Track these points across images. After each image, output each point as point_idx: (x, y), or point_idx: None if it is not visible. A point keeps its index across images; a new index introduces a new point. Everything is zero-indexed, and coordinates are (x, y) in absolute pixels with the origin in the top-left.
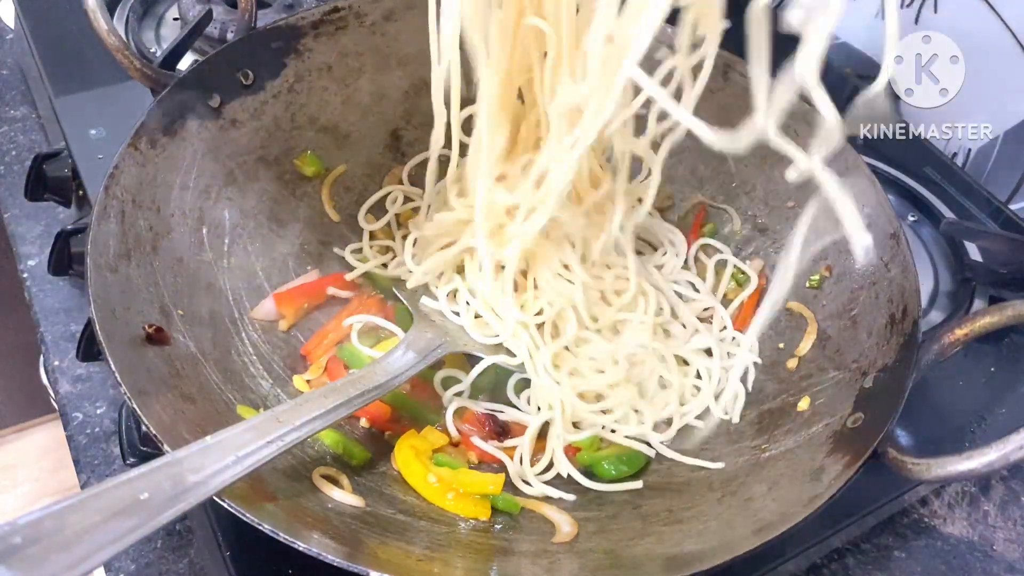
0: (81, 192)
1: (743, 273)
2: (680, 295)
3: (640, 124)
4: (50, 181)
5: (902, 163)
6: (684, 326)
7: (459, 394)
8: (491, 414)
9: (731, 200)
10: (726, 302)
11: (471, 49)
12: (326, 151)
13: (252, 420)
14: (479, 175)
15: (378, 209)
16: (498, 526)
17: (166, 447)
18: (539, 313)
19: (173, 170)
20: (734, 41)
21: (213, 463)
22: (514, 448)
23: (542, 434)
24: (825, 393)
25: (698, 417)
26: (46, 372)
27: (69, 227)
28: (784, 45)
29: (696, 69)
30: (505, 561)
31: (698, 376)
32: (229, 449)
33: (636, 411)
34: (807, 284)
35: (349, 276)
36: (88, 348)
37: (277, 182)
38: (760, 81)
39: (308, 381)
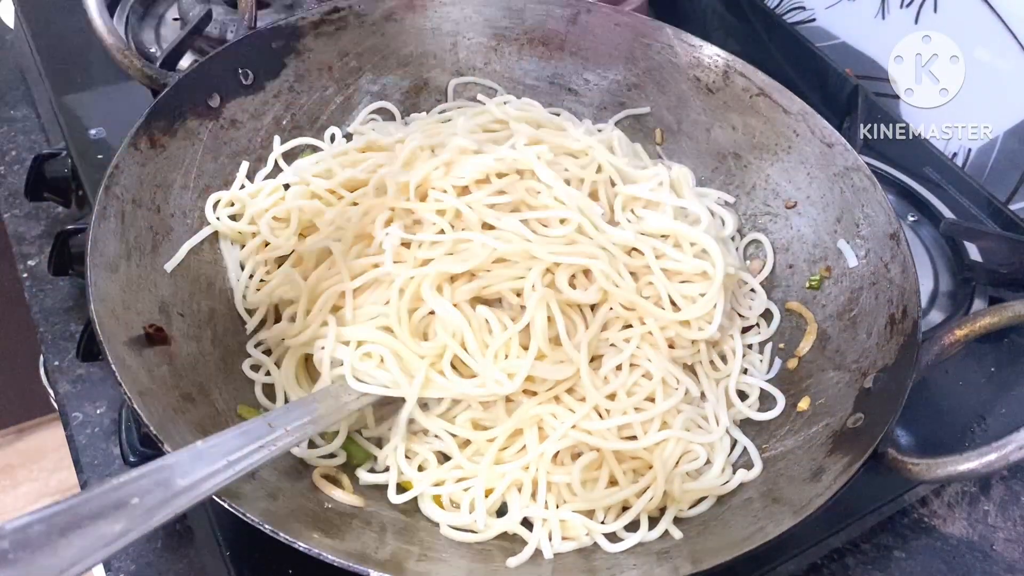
0: (81, 192)
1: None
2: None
3: None
4: (50, 181)
5: (902, 163)
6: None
7: None
8: None
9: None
10: None
11: None
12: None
13: (244, 425)
14: None
15: None
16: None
17: (166, 447)
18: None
19: (173, 170)
20: (734, 41)
21: (204, 467)
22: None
23: None
24: (825, 393)
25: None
26: (46, 372)
27: (69, 227)
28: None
29: None
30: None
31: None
32: (220, 454)
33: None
34: (807, 285)
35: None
36: (88, 348)
37: None
38: None
39: None
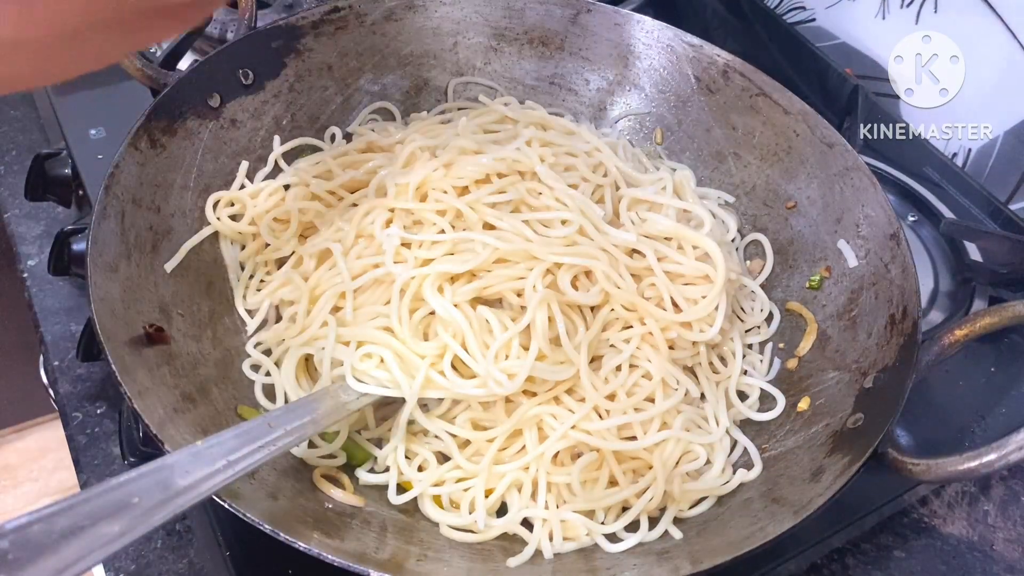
0: (81, 192)
1: None
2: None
3: None
4: (50, 181)
5: (902, 163)
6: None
7: None
8: None
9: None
10: None
11: None
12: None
13: (244, 425)
14: None
15: None
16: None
17: (166, 447)
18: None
19: (173, 170)
20: (734, 41)
21: (203, 467)
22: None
23: None
24: (825, 393)
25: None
26: (46, 372)
27: (69, 227)
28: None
29: None
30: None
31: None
32: (220, 454)
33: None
34: (807, 285)
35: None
36: (88, 348)
37: None
38: None
39: None
